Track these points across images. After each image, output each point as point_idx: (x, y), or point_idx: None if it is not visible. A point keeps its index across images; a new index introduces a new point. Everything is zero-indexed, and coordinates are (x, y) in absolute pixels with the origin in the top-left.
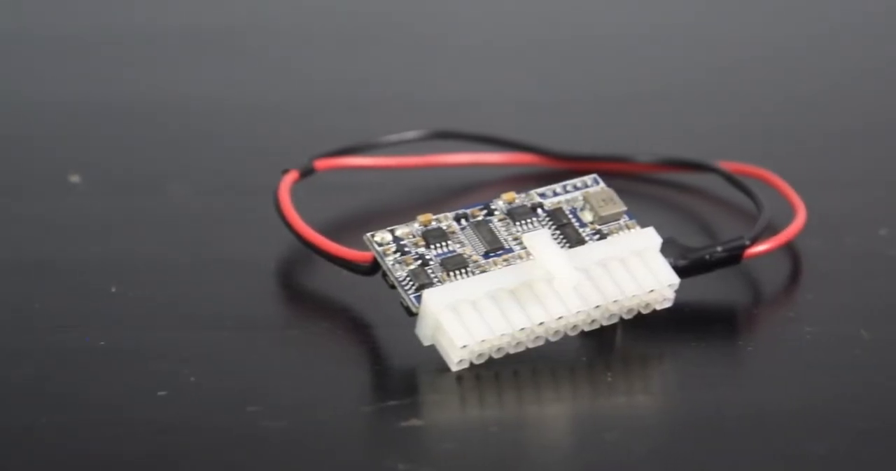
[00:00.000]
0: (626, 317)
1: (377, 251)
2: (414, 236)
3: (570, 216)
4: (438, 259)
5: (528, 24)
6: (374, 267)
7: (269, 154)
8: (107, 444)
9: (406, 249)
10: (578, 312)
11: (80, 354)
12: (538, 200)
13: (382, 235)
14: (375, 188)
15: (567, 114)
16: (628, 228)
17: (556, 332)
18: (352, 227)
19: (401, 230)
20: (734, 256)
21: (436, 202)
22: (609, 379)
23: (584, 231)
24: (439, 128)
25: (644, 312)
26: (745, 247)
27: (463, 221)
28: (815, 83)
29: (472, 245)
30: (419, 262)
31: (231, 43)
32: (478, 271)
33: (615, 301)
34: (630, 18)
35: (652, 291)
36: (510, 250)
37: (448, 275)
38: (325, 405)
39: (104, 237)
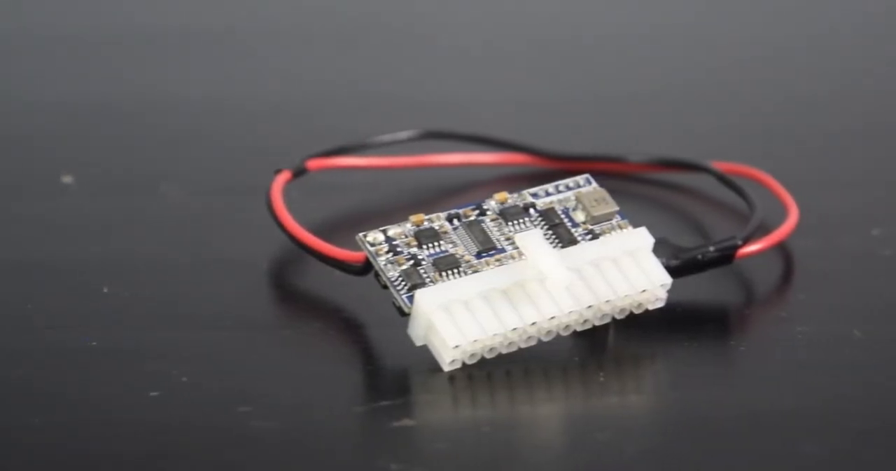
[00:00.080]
0: (618, 317)
1: (369, 251)
2: (406, 236)
3: (563, 216)
4: (431, 259)
5: (521, 24)
6: (367, 267)
7: (261, 154)
8: (99, 444)
9: (398, 249)
10: (571, 312)
11: (72, 354)
12: (530, 200)
13: (375, 236)
14: (368, 188)
15: (563, 114)
16: (620, 228)
17: (549, 332)
18: (344, 227)
19: (393, 230)
20: (726, 256)
21: (428, 202)
22: (601, 379)
23: (576, 231)
24: (432, 128)
25: (636, 312)
26: (737, 247)
27: (455, 221)
28: (814, 83)
29: (465, 245)
30: (411, 262)
31: (224, 44)
32: (470, 271)
33: (607, 301)
34: (628, 18)
35: (644, 291)
36: (502, 250)
37: (440, 275)
38: (317, 405)
39: (98, 237)
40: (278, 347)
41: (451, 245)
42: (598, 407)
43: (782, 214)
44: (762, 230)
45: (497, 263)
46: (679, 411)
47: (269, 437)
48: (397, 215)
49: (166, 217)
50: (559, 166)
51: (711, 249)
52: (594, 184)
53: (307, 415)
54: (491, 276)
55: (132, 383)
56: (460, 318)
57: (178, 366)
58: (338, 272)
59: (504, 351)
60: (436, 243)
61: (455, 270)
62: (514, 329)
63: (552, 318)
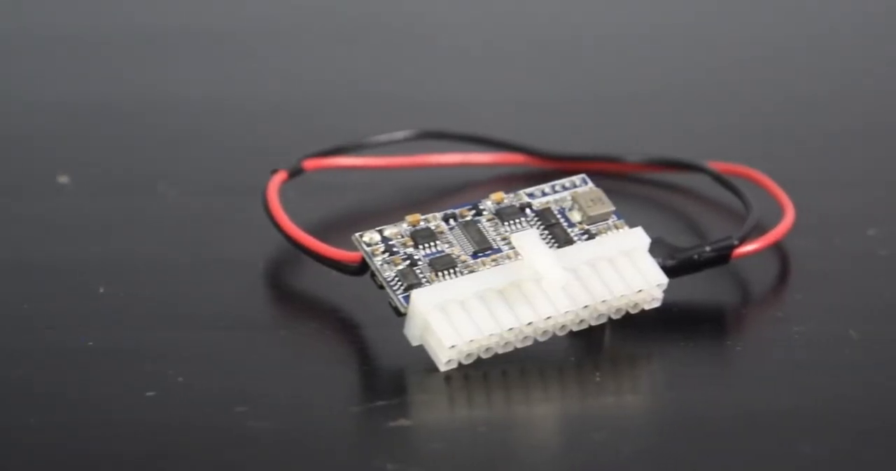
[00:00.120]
0: (614, 317)
1: (366, 251)
2: (402, 236)
3: (559, 216)
4: (427, 259)
5: (519, 24)
6: (363, 267)
7: (260, 154)
8: (98, 444)
9: (394, 249)
10: (567, 312)
11: (71, 354)
12: (527, 200)
13: (371, 236)
14: (364, 188)
15: (562, 114)
16: (617, 227)
17: (545, 332)
18: (340, 227)
19: (389, 230)
20: (722, 256)
21: (424, 202)
22: (597, 379)
23: (572, 231)
24: (428, 128)
25: (632, 311)
26: (733, 247)
27: (451, 221)
28: (814, 83)
29: (461, 245)
30: (408, 262)
31: (223, 44)
32: (466, 271)
33: (603, 301)
34: (627, 18)
35: (640, 290)
36: (499, 250)
37: (436, 275)
38: (314, 405)
39: (97, 237)
40: (275, 347)
41: (447, 245)
42: (594, 407)
43: (779, 213)
44: (758, 230)
45: (493, 264)
46: (675, 411)
47: (265, 437)
48: (393, 215)
49: (165, 217)
50: (555, 166)
51: (708, 248)
52: (590, 184)
53: (304, 415)
54: (487, 276)
55: (131, 383)
56: (456, 318)
57: (173, 366)
58: (334, 272)
59: (500, 351)
60: (432, 243)
61: (451, 271)
62: (511, 329)
63: (548, 318)
